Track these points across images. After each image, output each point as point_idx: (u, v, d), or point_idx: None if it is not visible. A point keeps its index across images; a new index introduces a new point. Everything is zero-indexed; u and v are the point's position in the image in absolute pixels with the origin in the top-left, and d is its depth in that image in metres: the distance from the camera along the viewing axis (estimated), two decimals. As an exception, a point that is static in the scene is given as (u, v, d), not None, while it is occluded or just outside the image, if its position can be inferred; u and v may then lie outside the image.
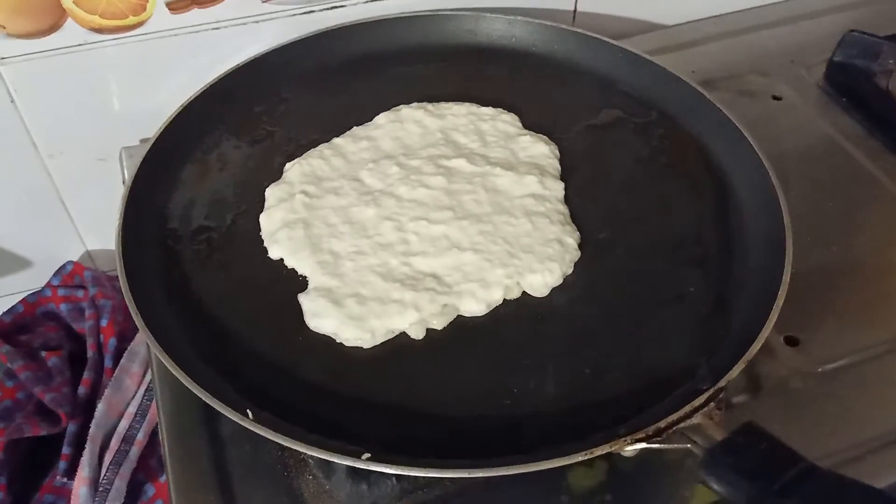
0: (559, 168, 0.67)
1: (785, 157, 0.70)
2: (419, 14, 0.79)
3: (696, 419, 0.48)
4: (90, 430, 0.73)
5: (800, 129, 0.81)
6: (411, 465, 0.46)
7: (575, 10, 0.87)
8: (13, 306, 0.82)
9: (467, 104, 0.72)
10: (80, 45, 0.72)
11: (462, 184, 0.64)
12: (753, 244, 0.61)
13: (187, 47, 0.75)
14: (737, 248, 0.61)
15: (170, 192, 0.65)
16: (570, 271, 0.59)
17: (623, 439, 0.47)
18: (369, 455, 0.47)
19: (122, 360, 0.79)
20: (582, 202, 0.64)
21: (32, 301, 0.84)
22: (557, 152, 0.68)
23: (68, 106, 0.75)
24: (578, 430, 0.49)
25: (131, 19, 0.72)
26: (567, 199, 0.64)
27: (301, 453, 0.53)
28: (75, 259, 0.87)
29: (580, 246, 0.61)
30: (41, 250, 0.86)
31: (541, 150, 0.67)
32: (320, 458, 0.51)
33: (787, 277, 0.55)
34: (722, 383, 0.49)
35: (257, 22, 0.76)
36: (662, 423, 0.47)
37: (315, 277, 0.58)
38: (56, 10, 0.68)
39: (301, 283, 0.58)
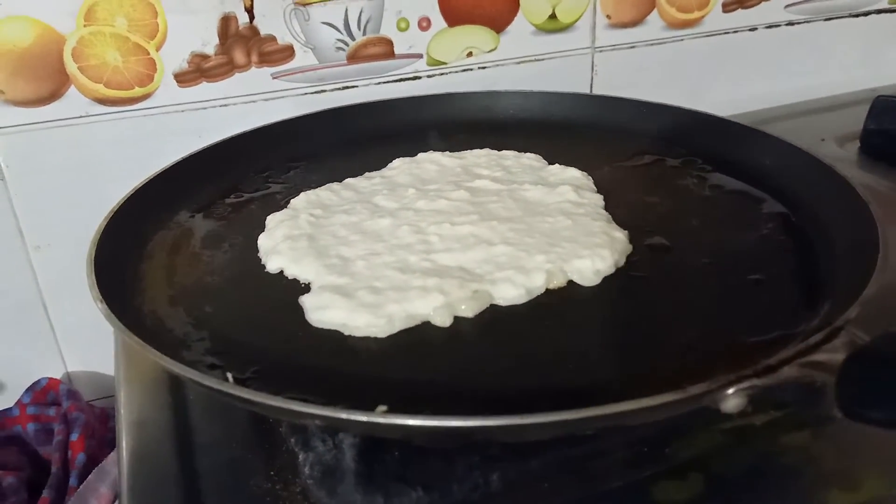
0: (595, 189, 0.60)
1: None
2: (434, 94, 0.77)
3: (816, 357, 0.36)
4: (41, 550, 0.58)
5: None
6: (446, 415, 0.33)
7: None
8: (-26, 425, 0.71)
9: (487, 149, 0.67)
10: (80, 116, 0.69)
11: (488, 196, 0.57)
12: (838, 229, 0.52)
13: (193, 125, 0.72)
14: (822, 235, 0.52)
15: (155, 231, 0.57)
16: (622, 263, 0.50)
17: (726, 376, 0.35)
18: (386, 408, 0.34)
19: (90, 477, 0.66)
20: (626, 213, 0.56)
21: (-3, 420, 0.72)
22: (592, 179, 0.61)
23: (62, 187, 0.70)
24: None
25: (137, 90, 0.69)
26: (608, 210, 0.56)
27: (296, 481, 0.41)
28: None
29: (632, 244, 0.52)
30: (15, 370, 0.76)
31: (573, 173, 0.61)
32: (320, 475, 0.39)
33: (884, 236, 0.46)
34: (840, 322, 0.38)
35: (266, 100, 0.74)
36: (773, 360, 0.36)
37: (320, 278, 0.48)
38: (59, 76, 0.66)
39: (303, 290, 0.49)
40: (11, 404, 0.74)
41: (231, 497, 0.42)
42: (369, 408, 0.36)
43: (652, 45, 0.86)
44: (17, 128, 0.67)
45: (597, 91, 0.85)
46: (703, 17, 0.86)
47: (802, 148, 0.59)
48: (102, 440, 0.72)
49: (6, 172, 0.68)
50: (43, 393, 0.74)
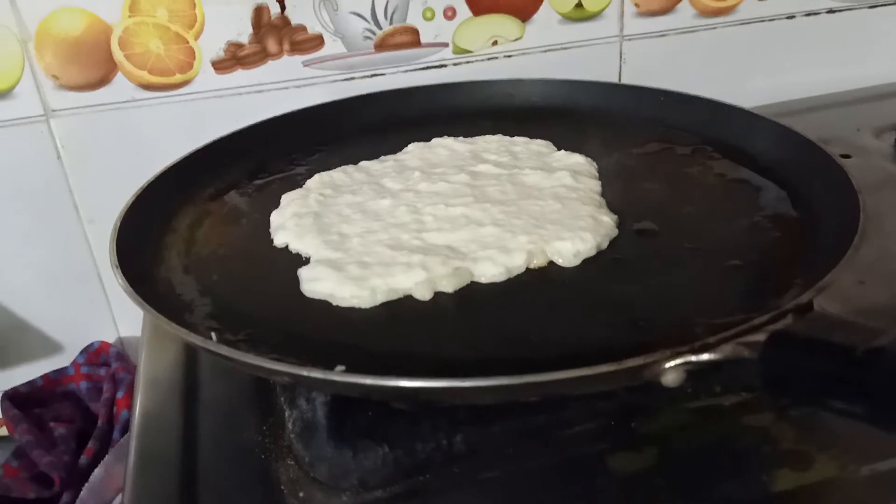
0: (597, 175, 0.62)
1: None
2: (457, 82, 0.80)
3: (758, 336, 0.37)
4: (81, 493, 0.65)
5: (875, 176, 0.73)
6: (397, 377, 0.36)
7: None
8: (33, 379, 0.78)
9: (499, 135, 0.69)
10: (127, 101, 0.74)
11: (487, 180, 0.59)
12: (828, 220, 0.52)
13: (231, 110, 0.77)
14: (813, 225, 0.53)
15: (182, 206, 0.62)
16: (605, 246, 0.52)
17: (662, 352, 0.37)
18: (344, 367, 0.38)
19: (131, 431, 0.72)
20: (621, 198, 0.58)
21: (54, 378, 0.80)
22: (596, 166, 0.63)
23: (113, 166, 0.76)
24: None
25: (178, 77, 0.75)
26: (605, 196, 0.58)
27: (283, 436, 0.45)
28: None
29: (619, 228, 0.54)
30: (74, 333, 0.83)
31: (577, 159, 0.63)
32: (300, 430, 0.43)
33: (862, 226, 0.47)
34: (790, 305, 0.39)
35: (299, 87, 0.78)
36: (712, 339, 0.37)
37: (318, 253, 0.52)
38: (107, 63, 0.72)
39: (304, 263, 0.53)
40: (68, 363, 0.81)
41: (224, 448, 0.46)
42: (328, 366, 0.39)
43: (683, 33, 0.86)
44: (72, 110, 0.74)
45: (625, 80, 0.86)
46: (736, 4, 0.86)
47: (805, 135, 0.60)
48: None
49: (62, 152, 0.75)
50: (96, 354, 0.81)
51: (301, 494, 0.42)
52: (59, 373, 0.80)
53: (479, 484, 0.42)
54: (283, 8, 0.74)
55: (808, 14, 0.89)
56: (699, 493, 0.41)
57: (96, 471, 0.67)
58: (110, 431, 0.74)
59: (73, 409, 0.78)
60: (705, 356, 0.37)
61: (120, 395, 0.76)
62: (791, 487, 0.41)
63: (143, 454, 0.47)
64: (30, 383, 0.78)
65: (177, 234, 0.58)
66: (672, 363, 0.37)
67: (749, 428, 0.45)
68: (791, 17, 0.89)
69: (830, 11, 0.90)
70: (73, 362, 0.81)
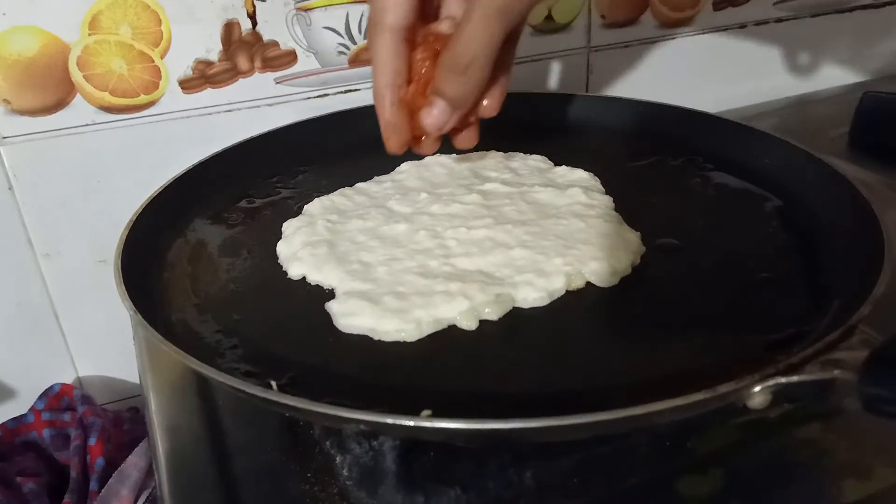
0: (604, 190, 0.61)
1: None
2: (434, 96, 0.78)
3: (836, 354, 0.38)
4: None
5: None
6: (491, 419, 0.34)
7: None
8: (-12, 432, 0.71)
9: (493, 151, 0.68)
10: (87, 125, 0.69)
11: (500, 199, 0.58)
12: (841, 228, 0.54)
13: (199, 131, 0.72)
14: (824, 233, 0.54)
15: (173, 240, 0.58)
16: (638, 262, 0.51)
17: (751, 376, 0.37)
18: (430, 412, 0.36)
19: (111, 481, 0.67)
20: (634, 214, 0.58)
21: (12, 427, 0.73)
22: (599, 181, 0.63)
23: (70, 196, 0.71)
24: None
25: (142, 98, 0.70)
26: (618, 211, 0.58)
27: (333, 483, 0.42)
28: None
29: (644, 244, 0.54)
30: (29, 376, 0.76)
31: (580, 175, 0.62)
32: (359, 477, 0.40)
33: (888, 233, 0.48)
34: (854, 320, 0.40)
35: (271, 105, 0.74)
36: (795, 359, 0.37)
37: (344, 285, 0.50)
38: (65, 85, 0.67)
39: (327, 296, 0.50)
40: (25, 411, 0.74)
41: (270, 499, 0.43)
42: (408, 411, 0.37)
43: (646, 43, 0.87)
44: (25, 137, 0.67)
45: (592, 90, 0.87)
46: (694, 15, 0.88)
47: (800, 146, 0.61)
48: (119, 444, 0.73)
49: (14, 182, 0.68)
50: (57, 399, 0.75)
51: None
52: (17, 421, 0.73)
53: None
54: (254, 24, 0.70)
55: (758, 23, 0.92)
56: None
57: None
58: (86, 483, 0.68)
59: (36, 460, 0.72)
60: (796, 378, 0.37)
61: (92, 441, 0.70)
62: (860, 497, 0.41)
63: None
64: (-15, 437, 0.71)
65: (175, 270, 0.54)
66: (761, 386, 0.37)
67: (802, 441, 0.45)
68: (742, 26, 0.92)
69: (778, 20, 0.93)
70: (32, 408, 0.74)
